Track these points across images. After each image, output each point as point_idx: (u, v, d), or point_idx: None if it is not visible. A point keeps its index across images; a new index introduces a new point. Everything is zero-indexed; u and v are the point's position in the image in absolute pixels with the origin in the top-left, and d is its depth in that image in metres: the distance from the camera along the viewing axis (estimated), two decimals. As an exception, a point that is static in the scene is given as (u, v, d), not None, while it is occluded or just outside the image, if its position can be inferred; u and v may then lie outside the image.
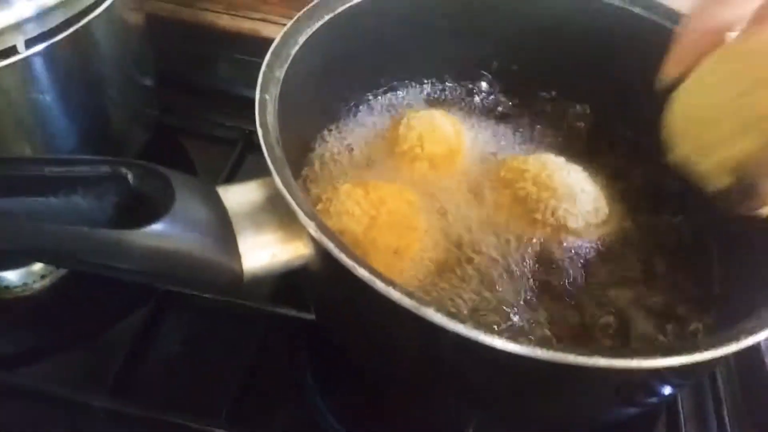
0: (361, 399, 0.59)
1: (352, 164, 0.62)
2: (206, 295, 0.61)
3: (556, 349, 0.34)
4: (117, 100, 0.65)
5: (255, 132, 0.74)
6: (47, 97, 0.56)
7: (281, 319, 0.61)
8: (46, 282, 0.65)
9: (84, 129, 0.61)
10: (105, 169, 0.39)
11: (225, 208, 0.42)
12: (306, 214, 0.39)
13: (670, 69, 0.43)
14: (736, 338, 0.37)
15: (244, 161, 0.75)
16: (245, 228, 0.41)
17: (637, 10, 0.61)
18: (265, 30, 0.87)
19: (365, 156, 0.63)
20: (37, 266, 0.65)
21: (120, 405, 0.54)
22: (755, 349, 0.62)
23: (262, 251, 0.41)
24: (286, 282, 0.62)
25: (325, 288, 0.47)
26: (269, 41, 0.84)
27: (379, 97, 0.67)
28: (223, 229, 0.40)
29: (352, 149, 0.63)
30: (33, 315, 0.64)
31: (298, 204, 0.39)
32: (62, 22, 0.53)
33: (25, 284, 0.64)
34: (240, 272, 0.41)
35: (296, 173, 0.58)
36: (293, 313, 0.61)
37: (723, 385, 0.61)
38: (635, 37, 0.61)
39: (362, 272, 0.37)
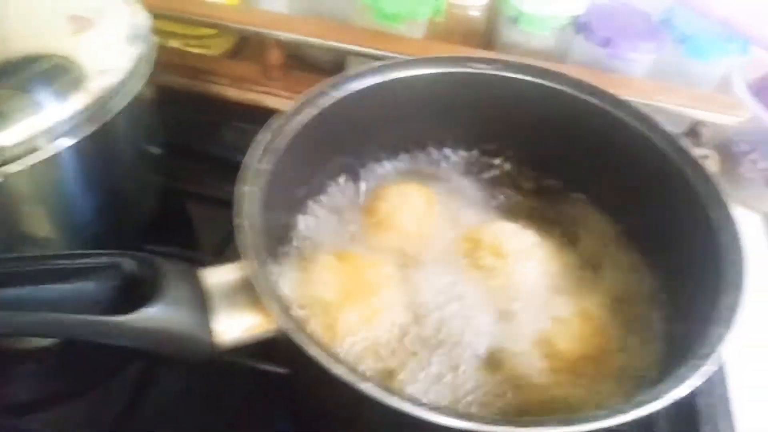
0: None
1: (332, 235, 0.69)
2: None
3: (469, 418, 0.41)
4: (130, 172, 0.72)
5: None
6: (70, 180, 0.64)
7: (265, 374, 0.67)
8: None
9: (100, 202, 0.69)
10: (105, 259, 0.47)
11: (205, 289, 0.49)
12: (270, 298, 0.47)
13: None
14: (633, 409, 0.43)
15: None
16: (220, 307, 0.49)
17: (607, 106, 0.68)
18: (268, 101, 0.95)
19: (344, 228, 0.70)
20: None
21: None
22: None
23: (234, 327, 0.49)
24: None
25: (289, 358, 0.55)
26: (272, 111, 0.93)
27: (360, 172, 0.74)
28: (200, 309, 0.48)
29: (332, 221, 0.70)
30: (44, 366, 0.70)
31: (264, 290, 0.47)
32: (89, 119, 0.61)
33: (37, 337, 0.72)
34: (211, 346, 0.48)
35: (279, 246, 0.66)
36: (278, 369, 0.67)
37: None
38: (600, 123, 0.69)
39: (314, 350, 0.44)
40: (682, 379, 0.46)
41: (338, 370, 0.43)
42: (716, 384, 0.71)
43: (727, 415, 0.70)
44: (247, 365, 0.68)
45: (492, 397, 0.58)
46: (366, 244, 0.68)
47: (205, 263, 0.52)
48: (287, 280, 0.63)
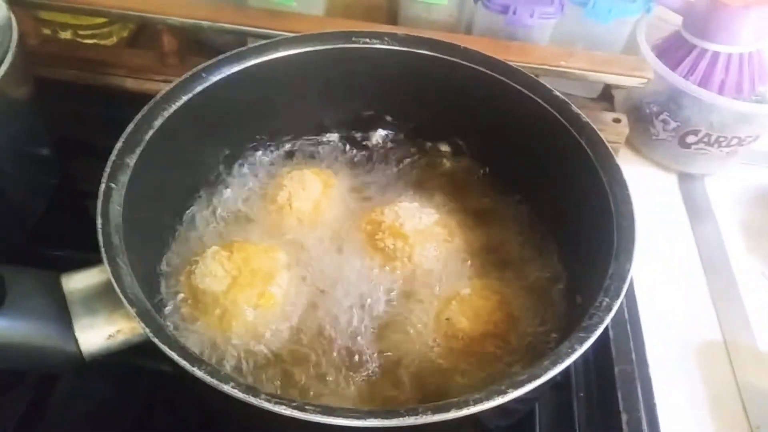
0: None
1: (229, 224, 0.67)
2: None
3: (323, 413, 0.39)
4: (9, 173, 0.68)
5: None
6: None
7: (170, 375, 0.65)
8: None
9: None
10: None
11: (64, 296, 0.46)
12: (128, 301, 0.44)
13: None
14: (502, 393, 0.42)
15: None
16: (82, 314, 0.46)
17: (499, 75, 0.66)
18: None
19: (241, 215, 0.67)
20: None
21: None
22: (607, 363, 0.68)
23: (98, 334, 0.46)
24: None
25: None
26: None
27: (255, 157, 0.72)
28: (60, 317, 0.45)
29: (227, 210, 0.67)
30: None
31: (124, 291, 0.44)
32: None
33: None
34: (79, 355, 0.45)
35: (167, 240, 0.63)
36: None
37: (576, 397, 0.67)
38: (494, 95, 0.66)
39: (172, 354, 0.42)
40: (566, 353, 0.45)
41: (199, 373, 0.41)
42: (633, 350, 0.70)
43: (646, 380, 0.69)
44: (154, 368, 0.64)
45: (391, 381, 0.57)
46: (262, 231, 0.66)
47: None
48: (174, 277, 0.61)
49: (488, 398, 0.41)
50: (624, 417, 0.64)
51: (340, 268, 0.64)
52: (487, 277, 0.64)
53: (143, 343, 0.47)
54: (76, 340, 0.45)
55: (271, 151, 0.72)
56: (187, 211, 0.66)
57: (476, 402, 0.41)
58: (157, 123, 0.58)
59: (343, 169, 0.72)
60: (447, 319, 0.59)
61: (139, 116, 0.57)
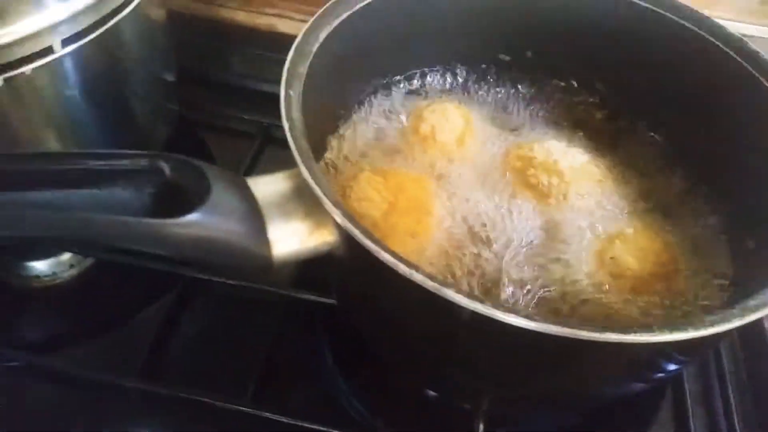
0: (380, 379, 0.62)
1: (371, 152, 0.64)
2: (230, 282, 0.64)
3: (568, 325, 0.36)
4: (141, 94, 0.67)
5: (273, 125, 0.78)
6: (76, 92, 0.58)
7: (302, 303, 0.63)
8: (75, 271, 0.67)
9: (109, 123, 0.64)
10: (144, 162, 0.42)
11: (255, 198, 0.44)
12: (332, 203, 0.41)
13: None
14: (739, 316, 0.39)
15: (263, 154, 0.77)
16: (275, 217, 0.44)
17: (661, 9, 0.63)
18: (281, 25, 0.89)
19: (383, 144, 0.65)
20: (66, 256, 0.67)
21: (150, 385, 0.57)
22: (758, 325, 0.64)
23: (291, 238, 0.44)
24: (306, 268, 0.64)
25: (349, 273, 0.50)
26: (285, 36, 0.86)
27: (397, 87, 0.69)
28: (254, 219, 0.43)
29: (371, 138, 0.65)
30: (63, 303, 0.66)
31: (324, 193, 0.42)
32: (92, 24, 0.55)
33: (54, 273, 0.67)
34: (270, 258, 0.43)
35: (317, 161, 0.61)
36: (313, 297, 0.63)
37: (727, 361, 0.64)
38: (641, 29, 0.64)
39: (386, 257, 0.39)
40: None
41: (418, 277, 0.38)
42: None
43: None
44: (286, 295, 0.63)
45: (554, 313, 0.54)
46: (405, 161, 0.64)
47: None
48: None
49: (725, 320, 0.39)
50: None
51: (489, 203, 0.61)
52: (644, 219, 0.61)
53: (329, 252, 0.46)
54: (268, 243, 0.43)
55: (413, 83, 0.70)
56: (334, 134, 0.64)
57: (713, 323, 0.38)
58: (322, 35, 0.55)
59: (482, 106, 0.70)
60: (612, 257, 0.56)
61: (306, 27, 0.55)
